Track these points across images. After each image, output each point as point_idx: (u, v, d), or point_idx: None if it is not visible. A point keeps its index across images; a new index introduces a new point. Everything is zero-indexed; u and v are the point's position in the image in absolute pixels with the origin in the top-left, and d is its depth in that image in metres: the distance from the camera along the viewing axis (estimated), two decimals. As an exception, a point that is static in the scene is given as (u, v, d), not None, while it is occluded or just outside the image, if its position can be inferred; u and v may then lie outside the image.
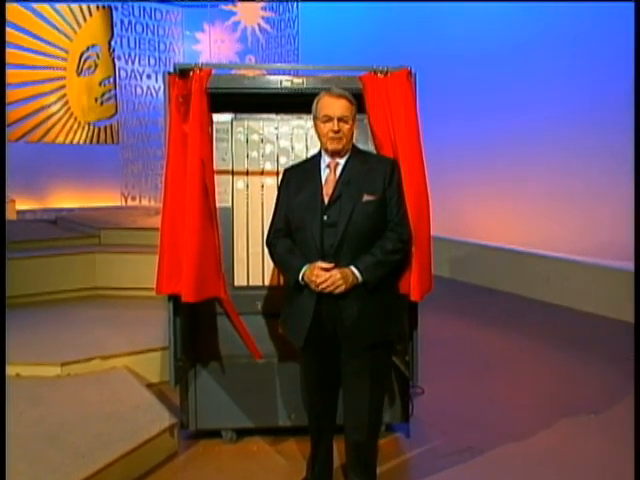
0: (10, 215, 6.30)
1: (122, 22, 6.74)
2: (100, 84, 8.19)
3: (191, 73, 1.90)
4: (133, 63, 6.71)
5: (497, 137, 5.47)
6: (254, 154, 2.23)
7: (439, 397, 2.71)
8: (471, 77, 5.68)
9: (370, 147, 2.03)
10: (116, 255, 4.24)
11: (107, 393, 2.45)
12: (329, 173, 1.76)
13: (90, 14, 7.95)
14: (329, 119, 1.70)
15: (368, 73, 1.92)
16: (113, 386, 2.54)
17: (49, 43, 7.76)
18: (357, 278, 1.67)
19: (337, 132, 1.70)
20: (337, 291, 1.66)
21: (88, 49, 8.07)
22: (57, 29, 7.79)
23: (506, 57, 5.33)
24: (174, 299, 1.99)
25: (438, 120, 5.50)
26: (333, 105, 1.70)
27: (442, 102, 5.75)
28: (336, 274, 1.65)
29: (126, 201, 6.76)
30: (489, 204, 5.69)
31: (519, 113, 5.24)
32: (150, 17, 6.82)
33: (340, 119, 1.70)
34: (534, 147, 5.13)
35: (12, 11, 7.04)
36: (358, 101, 1.81)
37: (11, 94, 7.04)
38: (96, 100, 8.21)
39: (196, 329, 2.21)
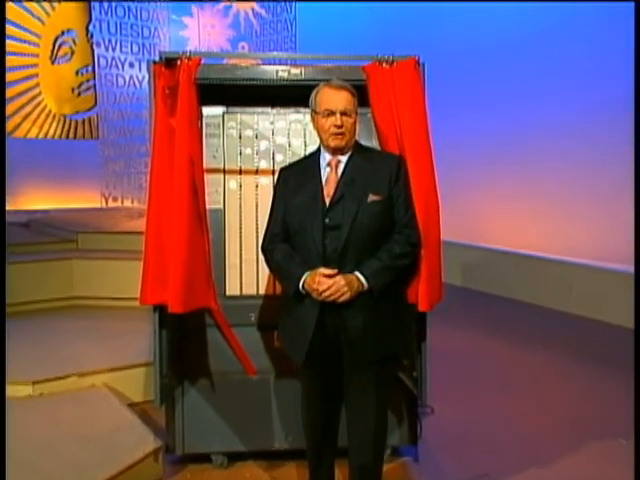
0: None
1: (101, 4, 6.76)
2: (77, 73, 8.21)
3: (178, 62, 1.91)
4: (114, 50, 6.71)
5: (512, 132, 5.50)
6: (248, 151, 2.25)
7: (450, 417, 2.71)
8: (484, 67, 5.72)
9: (374, 143, 2.05)
10: (95, 261, 4.26)
11: (84, 414, 2.45)
12: (330, 172, 1.78)
13: (65, -6, 7.96)
14: (331, 113, 1.72)
15: (372, 63, 1.94)
16: (91, 406, 2.54)
17: (18, 26, 7.77)
18: (362, 285, 1.69)
19: (340, 127, 1.71)
20: (341, 299, 1.67)
21: (63, 34, 8.07)
22: (27, 10, 7.80)
23: (523, 45, 5.36)
24: (160, 310, 2.00)
25: (448, 114, 5.52)
26: (335, 98, 1.72)
27: (452, 94, 5.77)
28: (340, 280, 1.66)
29: (107, 202, 6.75)
30: (504, 205, 5.71)
31: (536, 106, 5.27)
32: (132, -1, 6.84)
33: (343, 113, 1.71)
34: (553, 142, 5.15)
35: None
36: (361, 93, 1.82)
37: (-24, 83, 7.06)
38: (73, 91, 8.23)
39: (184, 343, 2.22)
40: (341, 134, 1.73)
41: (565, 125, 5.03)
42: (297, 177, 1.82)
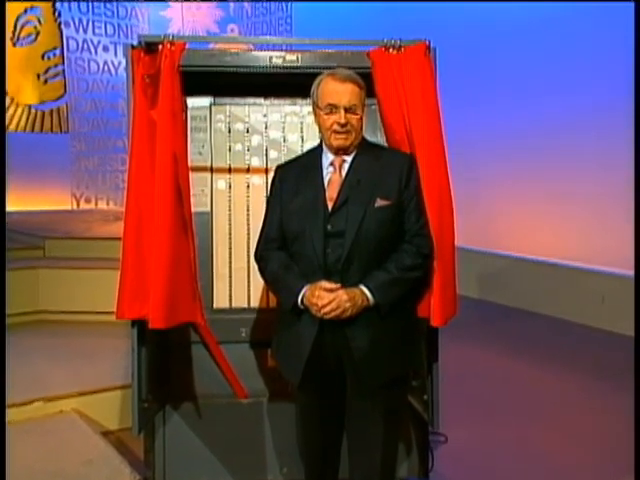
0: None
1: (70, -22, 6.79)
2: (43, 57, 8.21)
3: (160, 47, 1.93)
4: (85, 32, 6.73)
5: (534, 127, 5.51)
6: (238, 147, 2.27)
7: (465, 446, 2.72)
8: (503, 52, 5.74)
9: (379, 138, 2.07)
10: (65, 271, 4.26)
11: (52, 445, 2.45)
12: (333, 172, 1.78)
13: (27, -34, 7.97)
14: (334, 109, 1.72)
15: (378, 48, 1.95)
16: (60, 436, 2.54)
17: (-25, 3, 7.79)
18: (368, 300, 1.69)
19: (344, 125, 1.72)
20: (343, 316, 1.68)
21: (26, 11, 8.05)
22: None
23: (549, 27, 5.38)
24: (139, 325, 2.01)
25: (463, 105, 5.55)
26: (338, 92, 1.72)
27: (468, 83, 5.81)
28: (342, 295, 1.67)
29: (78, 204, 6.76)
30: (526, 207, 5.73)
31: (562, 98, 5.27)
32: (106, -26, 6.87)
33: (348, 109, 1.71)
34: (582, 138, 5.16)
35: None
36: (366, 82, 1.83)
37: None
38: (38, 77, 8.23)
39: (166, 363, 2.23)
40: (345, 132, 1.73)
41: (595, 119, 5.03)
42: (295, 177, 1.83)
